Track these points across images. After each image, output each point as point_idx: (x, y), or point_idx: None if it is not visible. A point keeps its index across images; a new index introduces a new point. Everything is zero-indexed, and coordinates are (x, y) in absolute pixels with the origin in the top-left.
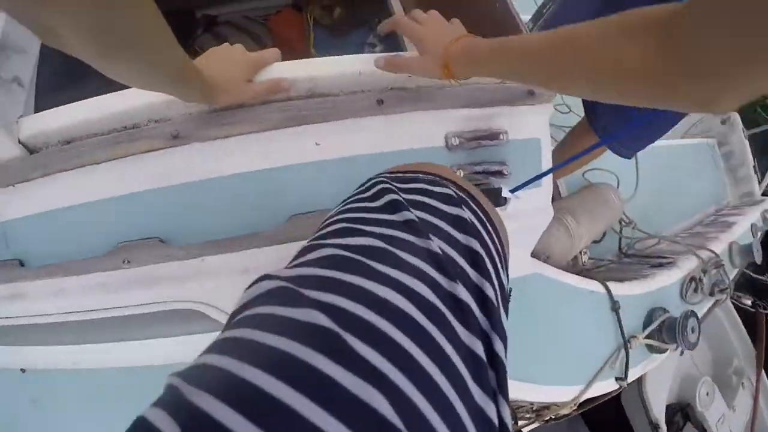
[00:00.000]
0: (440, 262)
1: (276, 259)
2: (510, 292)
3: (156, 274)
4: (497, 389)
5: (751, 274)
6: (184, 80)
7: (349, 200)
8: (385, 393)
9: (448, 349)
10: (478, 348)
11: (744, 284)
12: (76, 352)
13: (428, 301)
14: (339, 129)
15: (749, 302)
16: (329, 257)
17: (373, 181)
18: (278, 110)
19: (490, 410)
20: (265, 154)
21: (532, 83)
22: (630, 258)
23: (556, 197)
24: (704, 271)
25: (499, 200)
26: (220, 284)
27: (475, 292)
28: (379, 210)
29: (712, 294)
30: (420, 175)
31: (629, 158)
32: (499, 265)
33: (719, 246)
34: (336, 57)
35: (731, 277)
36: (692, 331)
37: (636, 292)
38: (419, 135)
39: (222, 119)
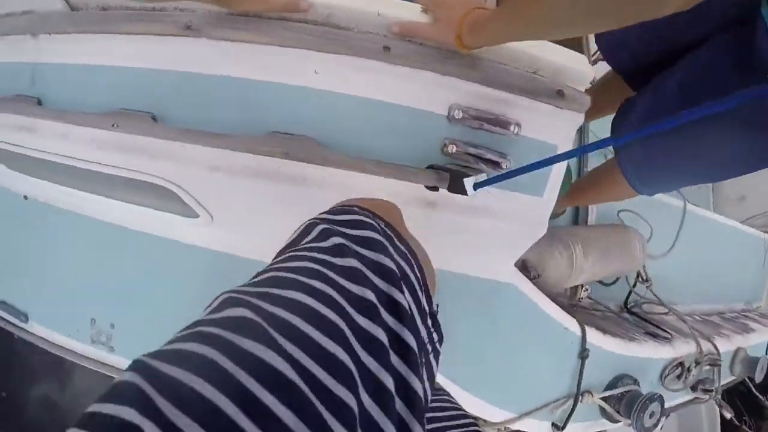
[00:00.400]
0: (352, 274)
1: (243, 166)
2: (437, 308)
3: (136, 144)
4: (404, 367)
5: (753, 388)
6: None
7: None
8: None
9: (342, 324)
10: (379, 334)
11: (739, 394)
12: (68, 194)
13: (331, 298)
14: (341, 64)
15: (729, 415)
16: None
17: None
18: (289, 29)
19: (387, 381)
20: (266, 67)
21: (548, 28)
22: (630, 315)
23: (580, 223)
24: (697, 363)
25: (459, 185)
26: (191, 172)
27: (383, 298)
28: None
29: (694, 389)
30: (356, 208)
31: (646, 194)
32: (414, 283)
33: (726, 345)
34: None
35: (723, 382)
36: (650, 416)
37: (612, 349)
38: (422, 95)
39: (235, 23)
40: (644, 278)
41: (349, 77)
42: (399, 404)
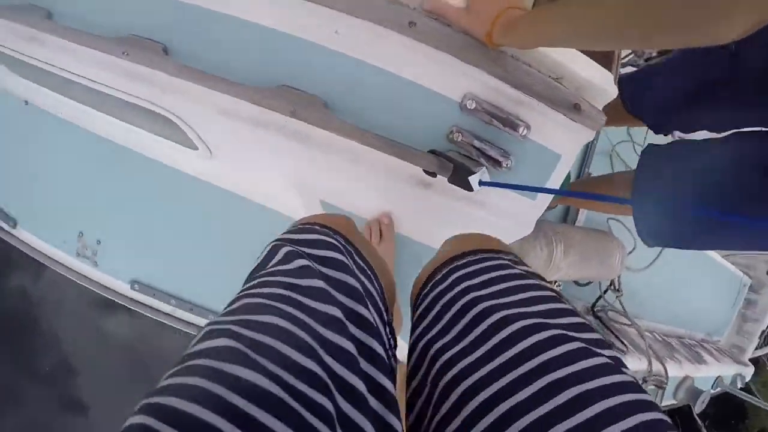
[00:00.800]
0: (318, 294)
1: (250, 115)
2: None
3: (143, 74)
4: (374, 370)
5: (695, 415)
6: None
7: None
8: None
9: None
10: (347, 345)
11: (681, 413)
12: (70, 106)
13: (301, 320)
14: (365, 29)
15: None
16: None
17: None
18: None
19: (359, 384)
20: (289, 19)
21: (588, 39)
22: (594, 319)
23: (568, 221)
24: (644, 380)
25: (463, 180)
26: (197, 110)
27: (346, 311)
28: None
29: None
30: (316, 226)
31: (648, 245)
32: (376, 297)
33: (676, 370)
34: None
35: (664, 403)
36: None
37: None
38: (439, 78)
39: None
40: (617, 288)
41: (369, 44)
42: (373, 402)
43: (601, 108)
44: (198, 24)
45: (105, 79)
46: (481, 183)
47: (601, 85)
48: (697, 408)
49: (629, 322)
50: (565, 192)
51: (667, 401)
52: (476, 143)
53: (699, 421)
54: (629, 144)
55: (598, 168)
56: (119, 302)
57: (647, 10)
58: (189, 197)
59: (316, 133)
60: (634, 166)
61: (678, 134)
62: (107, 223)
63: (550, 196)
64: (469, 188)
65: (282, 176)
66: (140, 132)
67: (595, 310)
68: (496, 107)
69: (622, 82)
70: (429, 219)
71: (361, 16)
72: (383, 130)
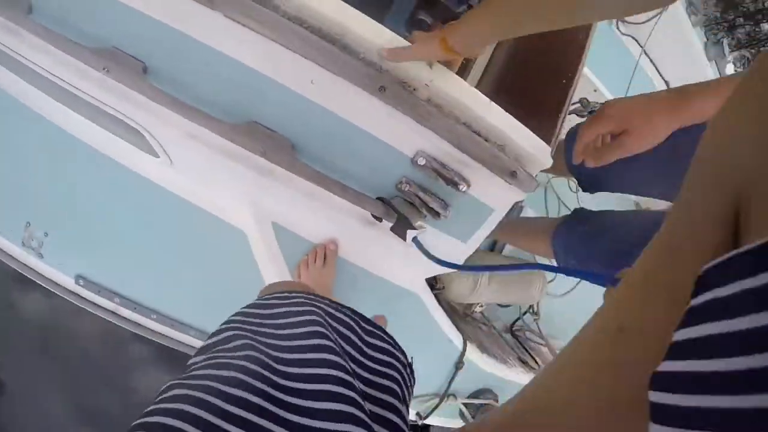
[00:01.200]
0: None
1: (219, 145)
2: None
3: (121, 91)
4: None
5: None
6: None
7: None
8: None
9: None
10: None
11: None
12: (32, 93)
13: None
14: (339, 85)
15: None
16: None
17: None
18: (302, 37)
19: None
20: (268, 60)
21: (526, 22)
22: (512, 337)
23: (496, 250)
24: None
25: (402, 231)
26: (167, 131)
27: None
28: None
29: None
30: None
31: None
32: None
33: None
34: (377, 23)
35: None
36: None
37: (485, 366)
38: (397, 135)
39: (251, 11)
40: (535, 311)
41: (340, 98)
42: None
43: (535, 174)
44: (181, 49)
45: (79, 85)
46: (414, 240)
47: (538, 155)
48: None
49: (544, 343)
50: (484, 268)
51: None
52: (421, 194)
53: None
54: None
55: (531, 198)
56: (61, 295)
57: None
58: (142, 198)
59: (279, 170)
60: (565, 200)
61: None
62: (56, 216)
63: (480, 242)
64: (404, 239)
65: (238, 196)
66: (103, 132)
67: (513, 329)
68: (443, 165)
69: (567, 139)
70: (371, 250)
71: (338, 72)
72: (342, 173)
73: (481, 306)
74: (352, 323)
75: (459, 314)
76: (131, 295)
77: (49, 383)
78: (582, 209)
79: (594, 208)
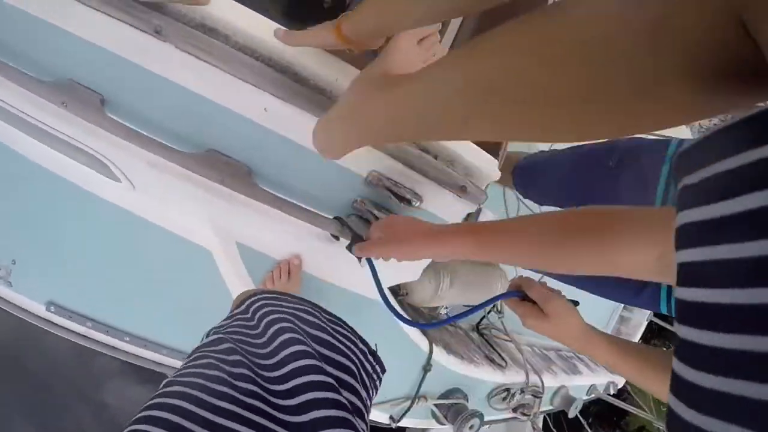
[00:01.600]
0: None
1: (179, 173)
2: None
3: (80, 123)
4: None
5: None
6: None
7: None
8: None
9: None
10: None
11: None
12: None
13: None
14: (293, 113)
15: None
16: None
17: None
18: (253, 68)
19: None
20: (221, 90)
21: (414, 12)
22: (478, 336)
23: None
24: (522, 391)
25: (351, 247)
26: (127, 160)
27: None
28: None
29: (515, 410)
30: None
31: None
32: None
33: (552, 381)
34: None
35: (542, 409)
36: (470, 428)
37: (452, 367)
38: (350, 157)
39: (201, 43)
40: (499, 309)
41: (294, 126)
42: None
43: (484, 187)
44: (137, 81)
45: (37, 116)
46: (368, 261)
47: (486, 169)
48: (571, 413)
49: (509, 339)
50: (435, 324)
51: (545, 407)
52: (375, 211)
53: (582, 419)
54: None
55: (490, 201)
56: (32, 323)
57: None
58: (107, 222)
59: (239, 195)
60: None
61: None
62: (23, 243)
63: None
64: (359, 261)
65: (201, 218)
66: (63, 157)
67: (479, 328)
68: (395, 183)
69: (516, 169)
70: (333, 263)
71: (289, 100)
72: (299, 195)
73: (446, 308)
74: (317, 315)
75: (425, 317)
76: (103, 319)
77: (16, 405)
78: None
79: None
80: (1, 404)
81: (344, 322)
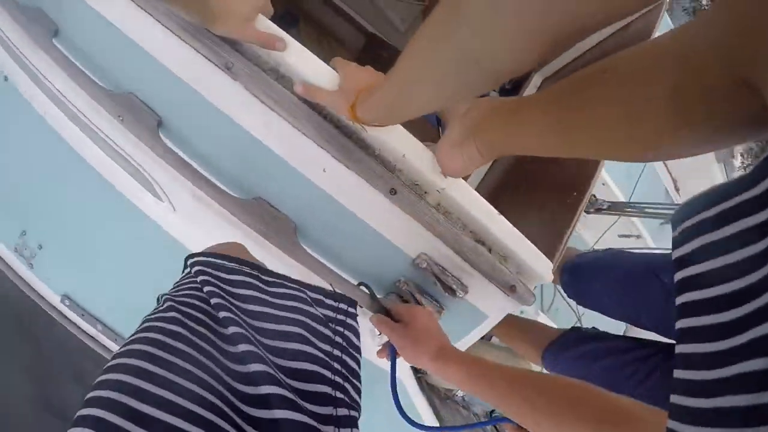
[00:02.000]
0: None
1: (221, 212)
2: None
3: (133, 140)
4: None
5: None
6: None
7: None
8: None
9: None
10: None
11: None
12: (56, 114)
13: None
14: (350, 179)
15: None
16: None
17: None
18: (318, 125)
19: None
20: (283, 141)
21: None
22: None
23: (485, 338)
24: None
25: (372, 307)
26: (172, 187)
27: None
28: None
29: None
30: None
31: None
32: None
33: None
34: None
35: None
36: None
37: None
38: (402, 236)
39: (270, 90)
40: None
41: (350, 192)
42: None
43: (533, 287)
44: (199, 112)
45: (93, 118)
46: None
47: (539, 270)
48: None
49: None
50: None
51: None
52: (417, 295)
53: None
54: None
55: None
56: (44, 309)
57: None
58: (142, 234)
59: (277, 250)
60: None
61: None
62: (54, 232)
63: (471, 343)
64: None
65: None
66: (112, 163)
67: (493, 415)
68: (443, 270)
69: (565, 269)
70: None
71: (351, 167)
72: (343, 263)
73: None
74: (252, 281)
75: (440, 396)
76: (114, 326)
77: (16, 362)
78: (578, 330)
79: None
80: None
81: (289, 282)
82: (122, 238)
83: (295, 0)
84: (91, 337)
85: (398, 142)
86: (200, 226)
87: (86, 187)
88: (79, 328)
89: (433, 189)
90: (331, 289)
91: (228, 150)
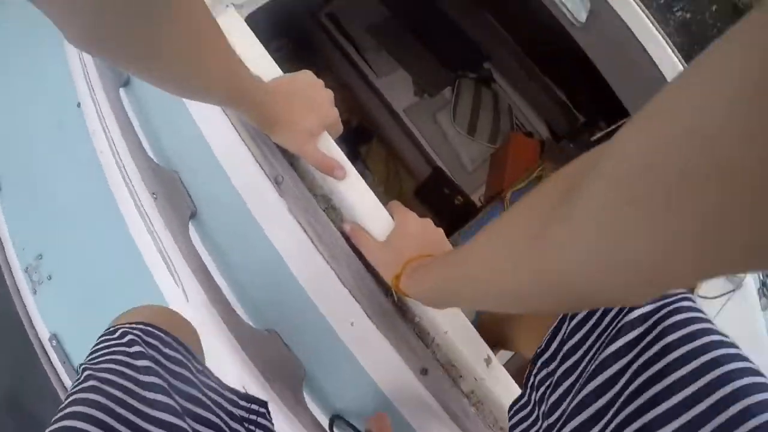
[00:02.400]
0: None
1: (224, 332)
2: None
3: (160, 228)
4: None
5: None
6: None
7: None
8: None
9: None
10: None
11: None
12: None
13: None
14: (380, 344)
15: None
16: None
17: None
18: (357, 274)
19: None
20: (314, 278)
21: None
22: None
23: None
24: None
25: None
26: (189, 282)
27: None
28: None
29: None
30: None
31: None
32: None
33: None
34: None
35: None
36: None
37: None
38: (423, 421)
39: (316, 219)
40: None
41: (375, 356)
42: None
43: None
44: (237, 217)
45: (133, 179)
46: None
47: None
48: None
49: None
50: None
51: None
52: None
53: None
54: None
55: None
56: (31, 339)
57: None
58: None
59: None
60: None
61: None
62: (68, 268)
63: None
64: None
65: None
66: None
67: None
68: None
69: None
70: None
71: (383, 332)
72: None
73: None
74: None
75: None
76: None
77: None
78: None
79: None
80: None
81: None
82: (132, 303)
83: (372, 118)
84: (63, 385)
85: (443, 316)
86: (206, 332)
87: (114, 239)
88: (55, 372)
89: (471, 376)
90: (244, 391)
91: (252, 267)
